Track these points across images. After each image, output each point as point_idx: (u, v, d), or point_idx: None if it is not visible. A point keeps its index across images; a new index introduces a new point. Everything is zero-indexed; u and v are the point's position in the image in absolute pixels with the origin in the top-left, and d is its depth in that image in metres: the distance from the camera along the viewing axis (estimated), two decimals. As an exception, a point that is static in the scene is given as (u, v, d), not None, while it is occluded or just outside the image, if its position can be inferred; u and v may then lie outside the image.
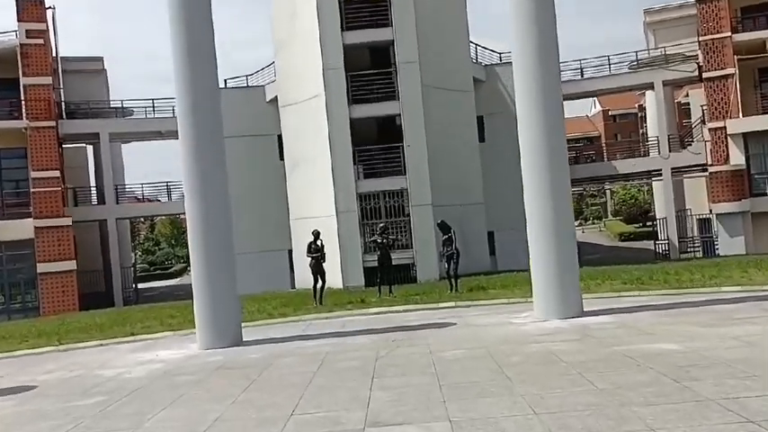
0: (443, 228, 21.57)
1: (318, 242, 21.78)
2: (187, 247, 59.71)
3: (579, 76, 40.10)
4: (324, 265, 21.82)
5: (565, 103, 43.97)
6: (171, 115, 40.05)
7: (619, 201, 60.77)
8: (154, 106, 39.91)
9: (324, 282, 21.84)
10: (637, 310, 14.88)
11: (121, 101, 41.42)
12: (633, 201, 59.11)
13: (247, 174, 36.09)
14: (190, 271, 51.01)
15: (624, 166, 39.84)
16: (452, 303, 18.47)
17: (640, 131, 58.21)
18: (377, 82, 29.85)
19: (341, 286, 29.26)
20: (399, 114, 29.62)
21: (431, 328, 14.64)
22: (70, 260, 35.28)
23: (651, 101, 44.33)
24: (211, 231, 14.98)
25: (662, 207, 44.67)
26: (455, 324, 15.01)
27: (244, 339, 15.29)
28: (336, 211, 29.30)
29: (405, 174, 29.48)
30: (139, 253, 66.44)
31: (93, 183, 43.00)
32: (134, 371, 12.83)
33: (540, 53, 14.47)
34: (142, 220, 67.17)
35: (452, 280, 21.50)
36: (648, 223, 56.54)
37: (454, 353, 11.56)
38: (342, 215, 29.28)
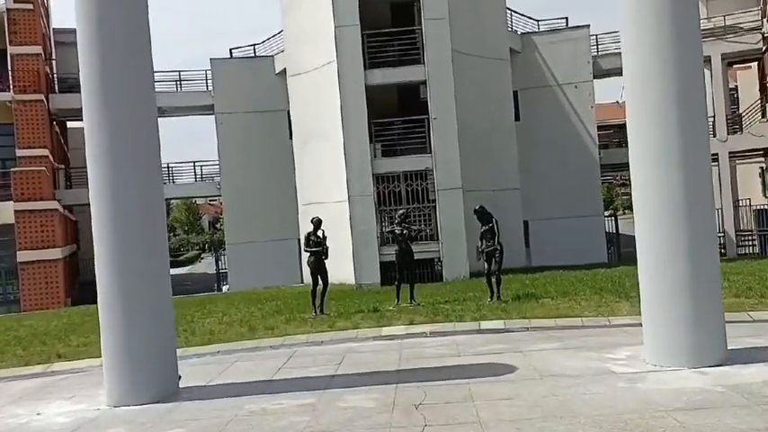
0: (483, 216, 15.32)
1: (320, 233, 15.66)
2: (200, 234, 53.22)
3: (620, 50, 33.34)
4: (326, 263, 15.70)
5: (601, 81, 37.51)
6: (174, 89, 34.10)
7: (652, 190, 54.01)
8: (154, 80, 33.81)
9: (326, 284, 15.73)
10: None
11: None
12: (667, 190, 52.26)
13: (255, 154, 30.14)
14: (202, 258, 44.58)
15: (675, 149, 33.19)
16: (501, 324, 12.19)
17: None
18: (398, 42, 23.53)
19: (353, 283, 23.12)
20: (424, 82, 23.27)
21: (477, 380, 8.39)
22: (54, 248, 29.43)
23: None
24: (132, 235, 8.86)
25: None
26: (516, 369, 8.76)
27: (185, 385, 9.22)
28: (349, 195, 23.10)
29: (430, 152, 23.16)
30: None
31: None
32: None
33: None
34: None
35: (494, 285, 15.26)
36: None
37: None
38: (355, 200, 23.08)
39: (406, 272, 16.22)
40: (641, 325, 9.10)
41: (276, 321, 15.20)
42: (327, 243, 15.63)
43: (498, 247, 15.09)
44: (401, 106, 24.91)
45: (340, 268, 24.20)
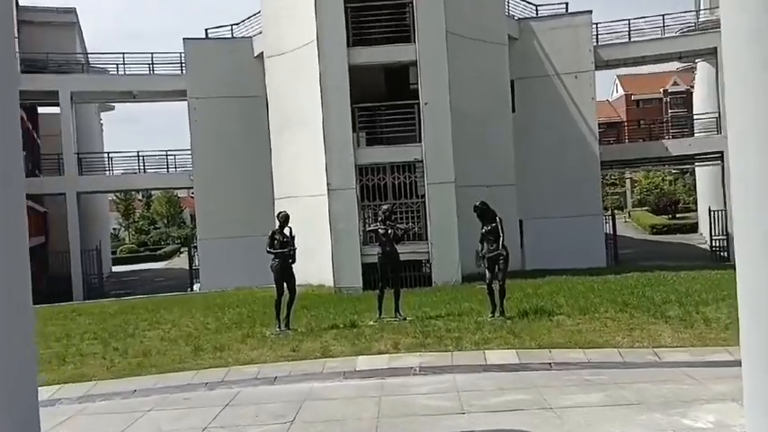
0: (484, 214, 12.11)
1: (286, 231, 12.39)
2: (181, 228, 49.34)
3: (626, 39, 30.36)
4: (293, 267, 12.44)
5: (608, 72, 34.27)
6: (147, 72, 30.60)
7: (642, 190, 51.14)
8: (124, 62, 30.37)
9: (293, 293, 12.45)
10: None
11: (84, 54, 31.83)
12: (659, 190, 49.48)
13: (231, 142, 26.74)
14: (182, 253, 40.92)
15: (679, 146, 30.10)
16: (513, 356, 8.92)
17: (665, 118, 48.20)
18: (387, 18, 20.22)
19: (332, 287, 19.87)
20: (415, 62, 19.98)
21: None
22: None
23: (704, 74, 34.56)
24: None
25: (710, 196, 34.99)
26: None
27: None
28: (328, 187, 19.81)
29: (419, 141, 19.90)
30: (132, 232, 57.12)
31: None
32: None
33: None
34: (139, 197, 57.90)
35: (496, 297, 12.05)
36: (679, 215, 46.95)
37: None
38: (335, 194, 19.79)
39: (391, 277, 12.99)
40: (709, 366, 6.04)
41: (231, 338, 11.93)
42: (296, 244, 12.36)
43: (503, 252, 11.89)
44: (389, 90, 21.60)
45: (318, 270, 21.00)
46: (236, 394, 7.96)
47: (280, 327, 12.27)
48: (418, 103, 19.92)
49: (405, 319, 12.60)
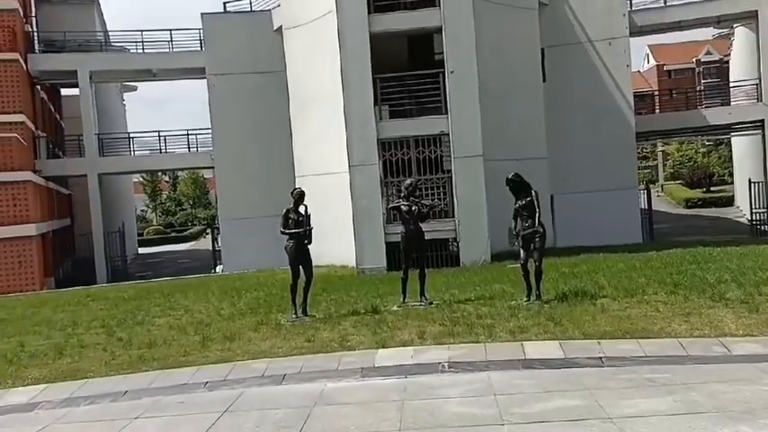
0: (519, 187, 10.79)
1: (301, 209, 11.23)
2: (207, 209, 48.73)
3: (662, 3, 28.49)
4: (309, 248, 11.29)
5: (639, 41, 32.31)
6: (166, 50, 29.52)
7: (675, 163, 48.99)
8: (143, 40, 29.31)
9: (310, 277, 11.31)
10: None
11: (104, 32, 30.78)
12: (693, 163, 47.36)
13: (251, 120, 25.64)
14: (207, 234, 40.23)
15: (717, 115, 28.25)
16: (556, 349, 7.66)
17: (698, 87, 45.89)
18: (409, -19, 18.84)
19: (353, 267, 18.75)
20: (440, 29, 18.56)
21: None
22: (27, 223, 25.17)
23: (743, 40, 32.46)
24: None
25: (749, 168, 33.07)
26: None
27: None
28: (349, 163, 18.59)
29: (446, 113, 18.54)
30: (159, 214, 56.51)
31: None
32: None
33: None
34: (166, 179, 57.20)
35: (532, 279, 10.77)
36: (713, 188, 44.88)
37: None
38: (356, 170, 18.56)
39: (415, 258, 11.76)
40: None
41: (243, 326, 10.85)
42: (311, 223, 11.19)
43: (540, 230, 10.58)
44: (412, 59, 20.25)
45: (341, 250, 19.90)
46: (239, 396, 6.84)
47: (296, 313, 11.16)
48: (443, 72, 18.54)
49: (431, 303, 11.41)
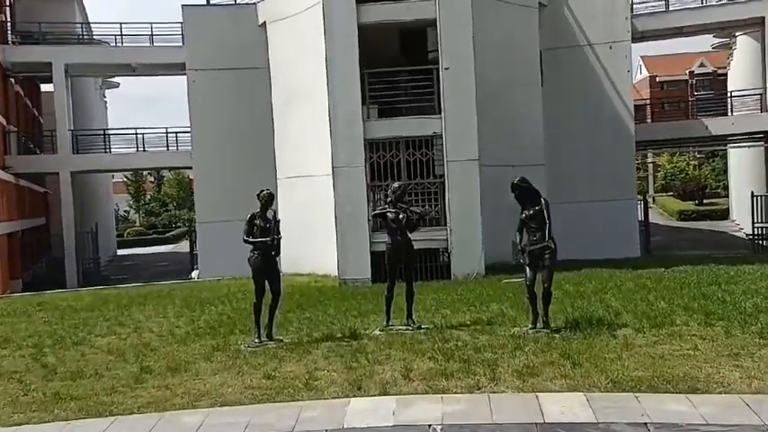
0: (526, 194, 8.91)
1: (269, 215, 9.28)
2: (192, 210, 46.36)
3: (663, 8, 26.81)
4: (277, 260, 9.35)
5: (645, 45, 30.16)
6: (147, 44, 27.48)
7: (667, 174, 47.37)
8: (122, 33, 27.24)
9: (277, 294, 9.34)
10: None
11: (81, 23, 28.68)
12: (684, 175, 45.73)
13: (233, 118, 23.53)
14: (189, 236, 37.94)
15: (719, 125, 26.58)
16: (579, 401, 5.73)
17: (679, 102, 44.01)
18: (401, -31, 16.94)
19: (336, 277, 16.82)
20: (435, 22, 16.70)
21: None
22: (-8, 222, 23.08)
23: (746, 48, 30.81)
24: None
25: (747, 180, 31.38)
26: None
27: None
28: (333, 165, 16.67)
29: (439, 113, 16.67)
30: (143, 214, 54.19)
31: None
32: None
33: None
34: (151, 179, 54.89)
35: (539, 303, 8.86)
36: (706, 201, 43.23)
37: None
38: (341, 172, 16.65)
39: (402, 274, 9.83)
40: None
41: (195, 352, 8.90)
42: (280, 231, 9.25)
43: (551, 245, 8.70)
44: (404, 55, 18.36)
45: (323, 257, 17.98)
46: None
47: (259, 337, 9.20)
48: (437, 69, 16.67)
49: (419, 327, 9.49)
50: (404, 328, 9.48)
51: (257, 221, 9.25)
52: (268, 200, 9.32)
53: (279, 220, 9.31)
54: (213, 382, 7.37)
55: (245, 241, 9.25)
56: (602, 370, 6.72)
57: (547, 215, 8.76)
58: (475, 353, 7.85)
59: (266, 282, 9.27)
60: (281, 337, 9.41)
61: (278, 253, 9.26)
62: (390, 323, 9.65)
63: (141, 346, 9.60)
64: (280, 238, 9.22)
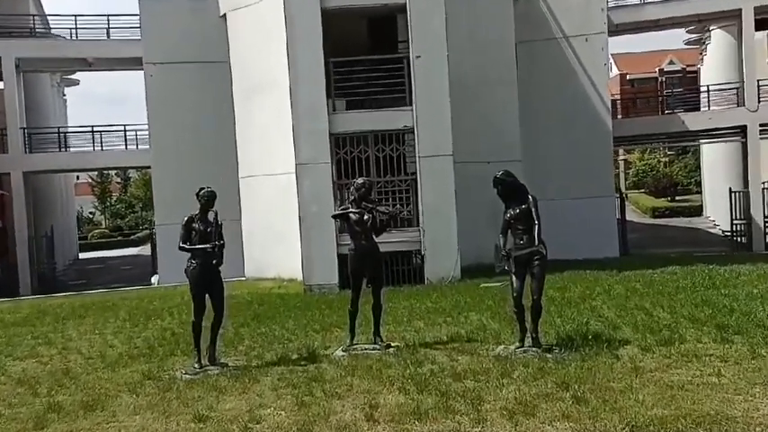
0: (511, 190, 7.49)
1: (210, 218, 7.74)
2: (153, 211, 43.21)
3: (639, 0, 25.71)
4: (220, 271, 7.80)
5: (621, 39, 28.78)
6: (104, 37, 25.62)
7: (639, 171, 46.57)
8: (76, 26, 25.34)
9: (220, 312, 7.81)
10: None
11: (34, 15, 26.66)
12: (656, 172, 44.95)
13: (192, 114, 21.76)
14: (151, 239, 35.95)
15: (696, 120, 25.52)
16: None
17: (659, 97, 43.27)
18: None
19: (301, 282, 15.28)
20: (404, 7, 15.21)
21: None
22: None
23: (720, 43, 29.82)
24: None
25: (722, 176, 30.47)
26: None
27: None
28: (296, 161, 15.11)
29: (410, 104, 15.19)
30: (108, 216, 51.82)
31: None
32: None
33: None
34: (117, 180, 52.52)
35: (528, 316, 7.43)
36: (678, 197, 42.43)
37: None
38: (304, 169, 15.10)
39: (367, 282, 8.34)
40: None
41: (121, 381, 7.32)
42: (222, 236, 7.71)
43: (542, 250, 7.28)
44: (373, 43, 16.82)
45: (289, 261, 16.45)
46: None
47: (200, 361, 7.65)
48: (408, 58, 15.19)
49: (388, 346, 8.02)
50: (370, 347, 8.00)
51: (196, 225, 7.74)
52: (209, 200, 7.80)
53: (221, 224, 7.79)
54: (131, 425, 5.82)
55: (182, 248, 7.72)
56: (612, 407, 5.29)
57: (536, 215, 7.33)
58: (454, 381, 6.39)
59: (207, 296, 7.74)
60: (227, 361, 7.88)
61: (220, 262, 7.73)
62: (355, 342, 8.16)
63: (61, 372, 8.00)
64: (222, 245, 7.68)
